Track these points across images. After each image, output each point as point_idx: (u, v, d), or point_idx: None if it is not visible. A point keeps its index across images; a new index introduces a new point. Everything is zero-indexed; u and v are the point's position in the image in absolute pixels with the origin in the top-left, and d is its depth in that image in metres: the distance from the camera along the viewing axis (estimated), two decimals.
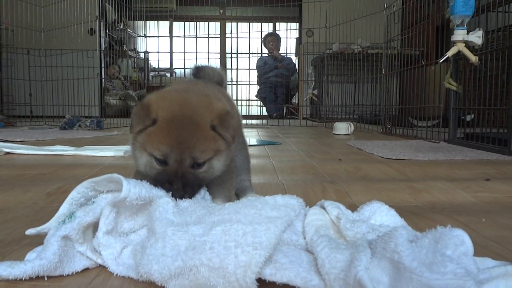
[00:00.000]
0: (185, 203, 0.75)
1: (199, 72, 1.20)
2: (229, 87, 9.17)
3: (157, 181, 0.80)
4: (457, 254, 0.59)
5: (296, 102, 7.64)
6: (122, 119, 5.19)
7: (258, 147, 2.77)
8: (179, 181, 0.79)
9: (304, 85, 6.67)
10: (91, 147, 2.45)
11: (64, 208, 0.82)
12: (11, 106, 5.38)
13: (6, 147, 2.32)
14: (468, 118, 3.38)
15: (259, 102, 8.31)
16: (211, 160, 0.83)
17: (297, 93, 7.66)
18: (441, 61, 2.51)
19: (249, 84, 8.57)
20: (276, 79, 7.82)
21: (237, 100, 8.18)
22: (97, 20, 5.02)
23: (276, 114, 7.50)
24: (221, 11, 9.92)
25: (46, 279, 0.70)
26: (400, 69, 3.73)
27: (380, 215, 0.87)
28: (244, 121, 6.12)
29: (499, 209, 1.16)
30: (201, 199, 0.76)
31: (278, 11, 8.74)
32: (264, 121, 6.51)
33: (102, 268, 0.75)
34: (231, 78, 8.94)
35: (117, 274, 0.72)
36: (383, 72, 3.85)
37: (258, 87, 8.29)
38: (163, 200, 0.73)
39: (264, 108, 8.11)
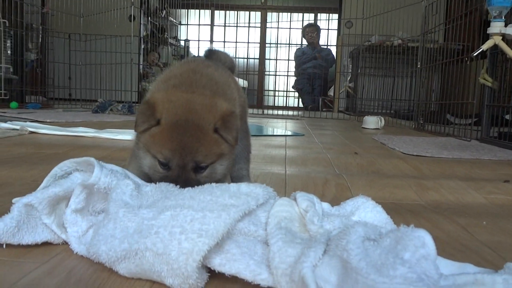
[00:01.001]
0: (148, 187, 0.73)
1: (211, 54, 1.19)
2: (267, 77, 9.14)
3: None
4: (416, 257, 0.53)
5: (333, 94, 7.51)
6: None
7: (279, 137, 2.73)
8: (182, 185, 0.77)
9: (340, 77, 6.54)
10: (112, 130, 2.49)
11: (44, 182, 0.83)
12: (51, 89, 5.56)
13: (32, 127, 2.39)
14: (508, 117, 3.20)
15: (296, 93, 8.24)
16: (213, 164, 0.82)
17: (333, 86, 7.53)
18: (474, 54, 2.38)
19: (287, 75, 8.49)
20: (313, 70, 7.71)
21: (275, 90, 8.14)
22: (132, 7, 5.08)
23: (311, 106, 7.41)
24: (263, 0, 9.86)
25: (4, 246, 0.70)
26: (435, 63, 3.57)
27: (364, 211, 0.82)
28: (275, 112, 6.07)
29: (507, 213, 1.08)
30: (165, 184, 0.74)
31: (319, 1, 8.59)
32: (297, 113, 6.44)
33: (64, 247, 0.74)
34: (269, 69, 8.89)
35: (77, 253, 0.71)
36: (418, 66, 3.70)
37: (295, 78, 8.20)
38: (123, 182, 0.71)
39: (300, 99, 8.03)
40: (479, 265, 0.67)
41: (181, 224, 0.60)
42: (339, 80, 6.63)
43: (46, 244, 0.74)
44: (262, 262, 0.60)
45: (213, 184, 0.71)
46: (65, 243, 0.74)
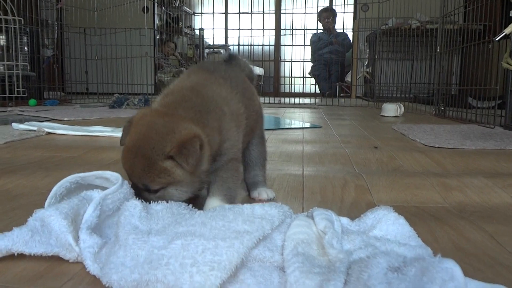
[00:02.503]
0: (158, 206, 0.71)
1: (231, 59, 1.17)
2: (283, 64, 9.04)
3: None
4: None
5: (350, 80, 7.39)
6: None
7: (296, 130, 2.68)
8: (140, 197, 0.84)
9: (358, 63, 6.42)
10: None
11: (46, 202, 0.81)
12: (68, 84, 5.60)
13: (48, 127, 2.39)
14: None
15: (312, 80, 8.13)
16: (166, 188, 0.84)
17: (351, 71, 7.40)
18: (497, 39, 2.28)
19: (303, 61, 8.38)
20: (330, 56, 7.59)
21: (291, 77, 8.05)
22: (146, 0, 5.04)
23: (328, 92, 7.31)
24: None
25: (16, 255, 0.70)
26: (455, 47, 3.45)
27: (386, 224, 0.79)
28: (292, 100, 6.01)
29: None
30: (176, 204, 0.71)
31: None
32: (314, 100, 6.36)
33: (75, 271, 0.72)
34: (280, 57, 8.79)
35: (89, 271, 0.68)
36: (438, 50, 3.59)
37: (312, 64, 8.09)
38: (131, 203, 0.69)
39: (317, 86, 7.92)
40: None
41: (192, 255, 0.57)
42: (357, 66, 6.51)
43: (56, 267, 0.72)
44: None
45: (226, 206, 0.68)
46: (76, 262, 0.73)
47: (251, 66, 1.23)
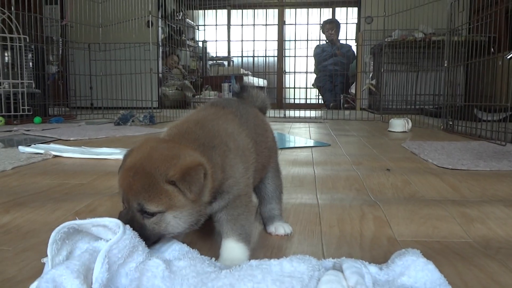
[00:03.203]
0: (181, 262, 0.68)
1: (243, 91, 1.16)
2: (287, 76, 9.03)
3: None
4: None
5: (354, 91, 7.37)
6: (178, 111, 5.25)
7: (305, 149, 2.65)
8: (124, 219, 0.79)
9: (362, 76, 6.40)
10: None
11: (49, 253, 0.78)
12: (73, 100, 5.60)
13: (55, 150, 2.37)
14: None
15: (316, 91, 8.12)
16: (163, 213, 0.80)
17: (355, 83, 7.39)
18: (508, 57, 2.26)
19: (307, 72, 8.37)
20: (334, 68, 7.59)
21: (294, 88, 8.04)
22: (150, 15, 5.06)
23: (332, 104, 7.30)
24: None
25: None
26: (466, 62, 3.43)
27: (415, 271, 0.75)
28: (297, 113, 5.99)
29: None
30: (200, 259, 0.68)
31: None
32: (320, 113, 6.34)
33: None
34: (285, 68, 8.78)
35: None
36: (445, 65, 3.57)
37: (315, 76, 8.09)
38: (153, 262, 0.66)
39: (321, 97, 7.91)
40: None
41: None
42: (361, 78, 6.49)
43: None
44: None
45: (253, 264, 0.65)
46: None
47: (264, 96, 1.20)
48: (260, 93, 1.19)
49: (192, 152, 0.84)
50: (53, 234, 0.77)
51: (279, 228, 1.10)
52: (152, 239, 0.82)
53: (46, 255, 0.94)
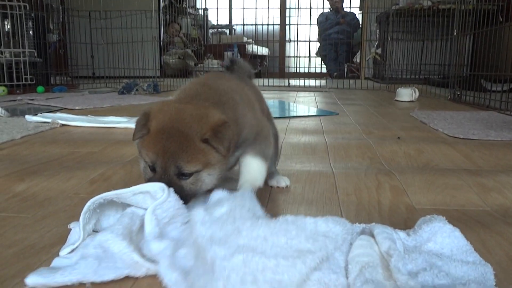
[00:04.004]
0: (222, 209, 0.68)
1: (233, 65, 1.21)
2: (288, 44, 8.91)
3: None
4: None
5: (358, 60, 7.29)
6: (180, 80, 5.20)
7: (313, 118, 2.64)
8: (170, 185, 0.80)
9: (367, 45, 6.31)
10: None
11: (81, 219, 0.79)
12: (74, 69, 5.54)
13: (62, 119, 2.36)
14: None
15: (319, 60, 8.02)
16: (199, 172, 0.83)
17: (359, 52, 7.30)
18: None
19: (309, 41, 8.25)
20: (337, 36, 7.48)
21: (297, 57, 7.94)
22: None
23: (336, 73, 7.22)
24: None
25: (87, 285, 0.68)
26: (474, 31, 3.37)
27: (442, 237, 0.76)
28: (303, 82, 5.93)
29: None
30: (240, 205, 0.69)
31: None
32: (325, 82, 6.28)
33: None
34: (289, 37, 8.65)
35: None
36: (455, 33, 3.50)
37: (319, 44, 7.98)
38: (195, 211, 0.68)
39: (324, 67, 7.82)
40: None
41: (253, 272, 0.55)
42: (366, 48, 6.40)
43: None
44: None
45: (288, 219, 0.65)
46: (146, 276, 0.71)
47: (248, 66, 1.27)
48: (245, 63, 1.24)
49: (216, 111, 0.86)
50: (88, 203, 0.78)
51: (281, 181, 1.21)
52: (189, 200, 0.84)
53: (67, 222, 0.96)
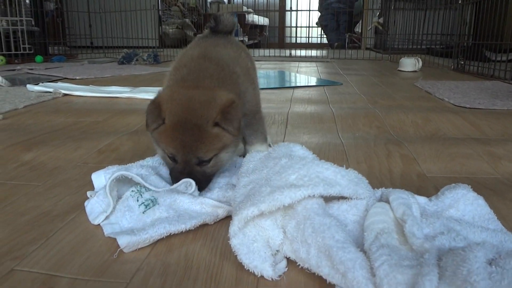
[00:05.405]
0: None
1: (218, 24, 1.17)
2: (288, 13, 8.77)
3: (170, 175, 0.89)
4: None
5: (360, 30, 7.18)
6: (179, 50, 5.12)
7: (317, 88, 2.61)
8: (186, 178, 0.84)
9: (369, 14, 6.21)
10: (145, 88, 2.42)
11: (108, 188, 0.80)
12: (72, 38, 5.45)
13: (64, 88, 2.33)
14: None
15: (319, 30, 7.91)
16: (217, 155, 0.86)
17: (360, 21, 7.18)
18: None
19: (309, 10, 8.11)
20: (338, 5, 7.35)
21: (296, 27, 7.82)
22: None
23: (337, 43, 7.13)
24: None
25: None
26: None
27: (464, 204, 0.76)
28: (303, 53, 5.87)
29: None
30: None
31: None
32: (324, 53, 6.21)
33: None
34: (290, 7, 8.50)
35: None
36: (459, 2, 3.44)
37: (319, 14, 7.85)
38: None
39: (324, 37, 7.72)
40: None
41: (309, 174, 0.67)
42: (367, 17, 6.30)
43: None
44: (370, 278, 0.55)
45: (319, 162, 0.69)
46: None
47: (231, 18, 1.21)
48: (228, 18, 1.19)
49: (222, 92, 0.88)
50: (112, 176, 0.80)
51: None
52: (211, 180, 0.90)
53: (79, 191, 0.95)
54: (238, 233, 0.65)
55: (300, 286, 0.62)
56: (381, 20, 5.91)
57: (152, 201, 0.81)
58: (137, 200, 0.81)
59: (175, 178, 0.87)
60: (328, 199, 0.71)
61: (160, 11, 6.40)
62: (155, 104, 0.86)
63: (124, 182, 0.85)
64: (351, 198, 0.70)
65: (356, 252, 0.58)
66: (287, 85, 2.73)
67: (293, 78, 3.11)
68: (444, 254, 0.58)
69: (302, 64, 4.44)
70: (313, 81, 2.94)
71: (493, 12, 3.29)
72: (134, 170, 0.88)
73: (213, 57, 0.97)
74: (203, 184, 0.87)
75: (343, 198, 0.71)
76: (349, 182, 0.69)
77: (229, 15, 1.21)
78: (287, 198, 0.64)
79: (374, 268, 0.56)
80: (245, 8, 7.68)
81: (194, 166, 0.86)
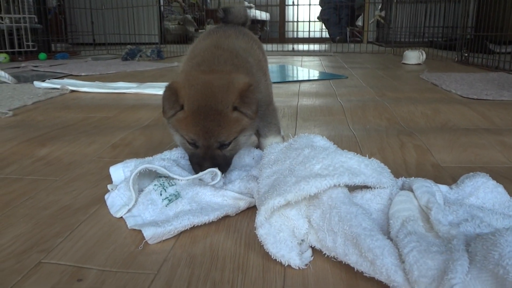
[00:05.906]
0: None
1: (227, 15, 1.18)
2: (290, 8, 8.74)
3: (191, 161, 0.90)
4: None
5: (361, 24, 7.17)
6: (181, 46, 5.13)
7: (323, 81, 2.62)
8: (209, 162, 0.86)
9: (370, 7, 6.19)
10: (152, 84, 2.42)
11: (132, 178, 0.81)
12: (74, 35, 5.45)
13: (72, 85, 2.33)
14: None
15: (320, 25, 7.89)
16: (237, 138, 0.88)
17: (362, 15, 7.17)
18: None
19: (310, 4, 8.09)
20: None
21: (297, 21, 7.80)
22: None
23: (338, 37, 7.12)
24: None
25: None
26: None
27: (484, 192, 0.76)
28: (306, 47, 5.86)
29: None
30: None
31: None
32: (326, 46, 6.20)
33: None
34: (292, 1, 8.48)
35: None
36: None
37: (320, 8, 7.83)
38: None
39: (326, 31, 7.70)
40: None
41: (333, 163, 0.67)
42: (369, 11, 6.29)
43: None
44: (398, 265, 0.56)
45: (341, 152, 0.73)
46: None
47: (243, 9, 1.22)
48: (239, 9, 1.20)
49: (239, 75, 0.89)
50: (136, 170, 0.81)
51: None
52: (230, 163, 0.91)
53: (97, 185, 0.96)
54: (264, 223, 0.66)
55: (326, 274, 0.62)
56: (382, 14, 5.90)
57: (175, 196, 0.82)
58: (161, 194, 0.82)
59: (196, 163, 0.87)
60: (351, 188, 0.72)
61: (161, 7, 6.39)
62: (171, 90, 0.86)
63: (144, 175, 0.85)
64: (375, 187, 0.71)
65: (384, 240, 0.59)
66: (294, 78, 2.73)
67: (299, 72, 3.11)
68: (471, 240, 0.58)
69: (305, 58, 4.44)
70: (318, 75, 2.94)
71: (496, 4, 3.29)
72: (156, 163, 0.88)
73: (225, 46, 0.98)
74: (224, 168, 0.88)
75: (366, 187, 0.72)
76: (372, 171, 0.69)
77: (241, 7, 1.22)
78: (313, 187, 0.65)
79: (403, 255, 0.57)
80: (246, 3, 7.66)
81: (215, 150, 0.87)
